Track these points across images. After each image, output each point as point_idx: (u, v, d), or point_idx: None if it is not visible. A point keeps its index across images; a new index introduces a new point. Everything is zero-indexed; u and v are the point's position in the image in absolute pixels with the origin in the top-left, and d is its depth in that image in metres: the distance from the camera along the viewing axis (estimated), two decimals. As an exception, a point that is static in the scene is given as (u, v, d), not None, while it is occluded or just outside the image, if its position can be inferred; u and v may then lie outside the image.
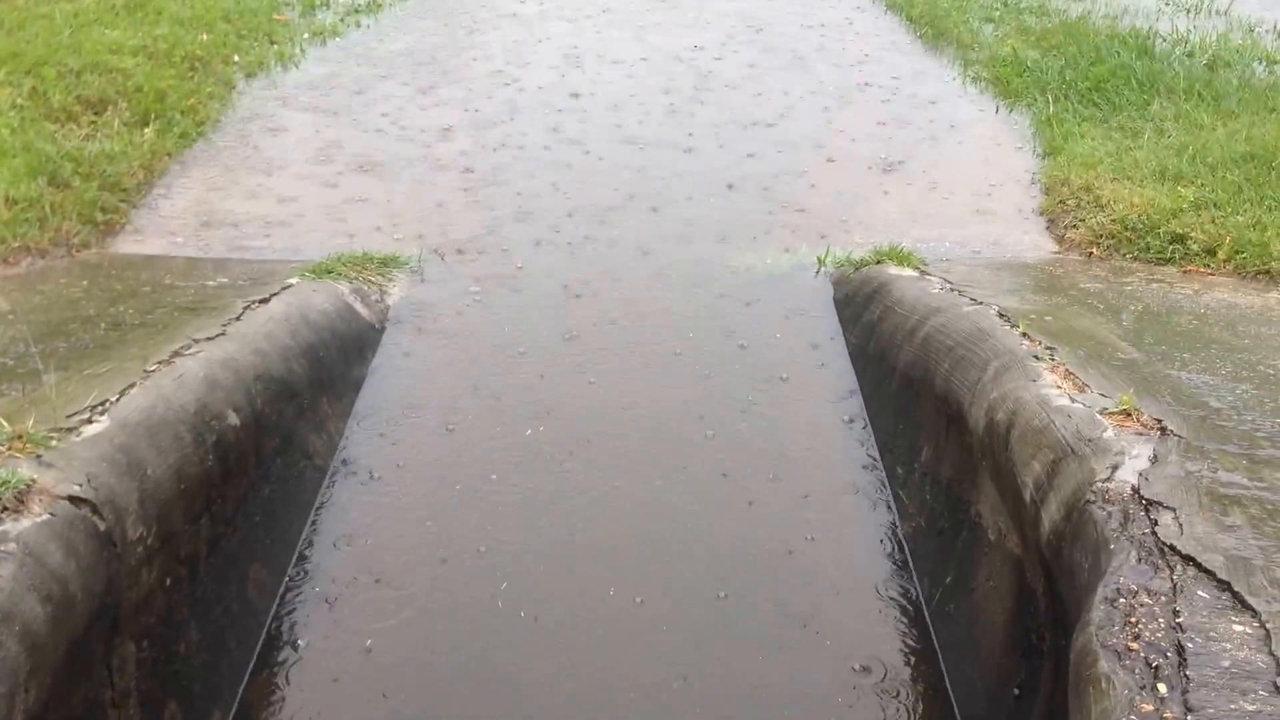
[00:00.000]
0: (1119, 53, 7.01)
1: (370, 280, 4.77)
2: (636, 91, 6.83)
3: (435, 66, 7.07)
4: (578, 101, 6.52)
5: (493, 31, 7.78)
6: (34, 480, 2.54)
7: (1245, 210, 5.11)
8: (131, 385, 3.21)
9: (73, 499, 2.57)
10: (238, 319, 3.95)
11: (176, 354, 3.52)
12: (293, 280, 4.49)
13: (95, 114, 5.99)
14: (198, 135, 6.13)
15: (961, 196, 5.71)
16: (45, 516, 2.46)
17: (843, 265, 5.03)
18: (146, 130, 5.95)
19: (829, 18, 8.20)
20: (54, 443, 2.74)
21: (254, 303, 4.14)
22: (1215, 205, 5.18)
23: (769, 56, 7.47)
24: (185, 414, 3.17)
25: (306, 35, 7.47)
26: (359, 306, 4.53)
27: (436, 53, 7.33)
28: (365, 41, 7.48)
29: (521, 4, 8.21)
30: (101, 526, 2.61)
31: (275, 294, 4.27)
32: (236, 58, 6.98)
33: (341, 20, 7.80)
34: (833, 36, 7.81)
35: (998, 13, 8.00)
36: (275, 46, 7.25)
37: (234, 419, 3.38)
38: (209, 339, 3.69)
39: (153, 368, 3.40)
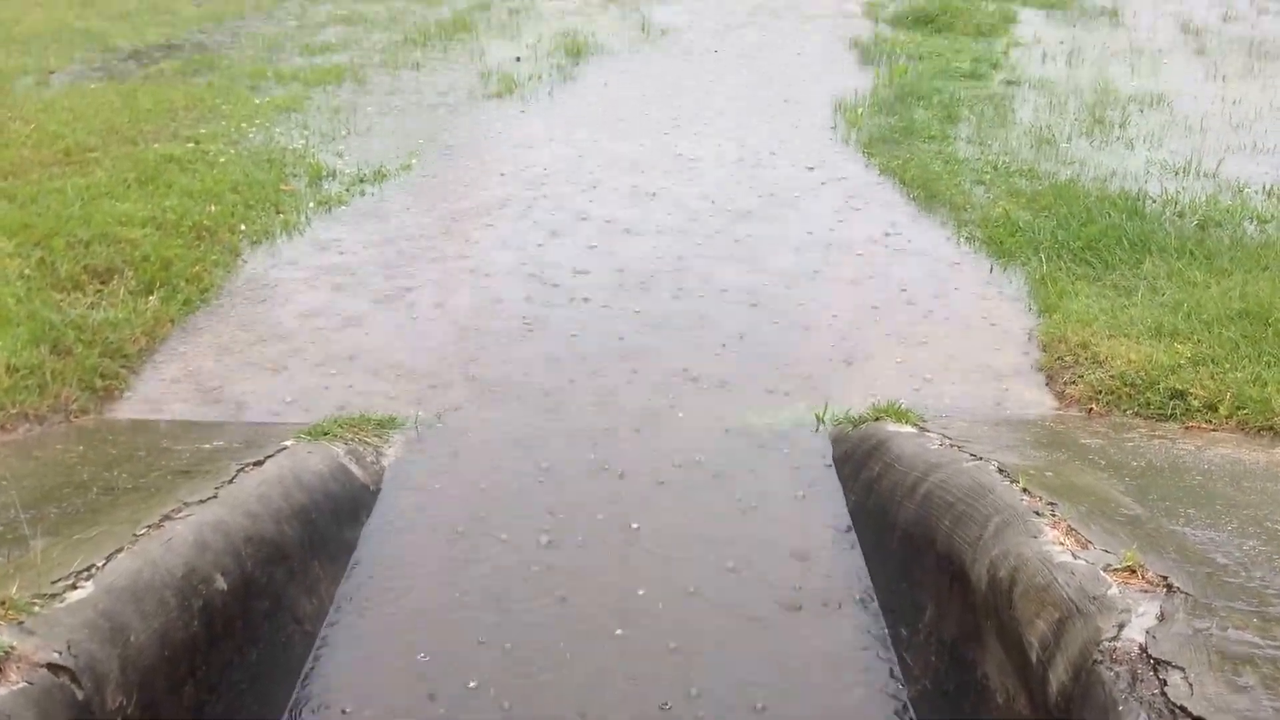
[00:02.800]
0: (1110, 213, 7.06)
1: (366, 441, 4.74)
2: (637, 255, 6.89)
3: (434, 240, 7.10)
4: (581, 278, 6.53)
5: (494, 194, 7.85)
6: (13, 647, 2.49)
7: (1244, 366, 5.10)
8: (119, 549, 3.17)
9: (51, 666, 2.51)
10: (231, 481, 3.91)
11: (167, 517, 3.48)
12: (288, 442, 4.46)
13: (101, 282, 6.05)
14: (201, 302, 6.16)
15: (959, 353, 5.71)
16: (22, 684, 2.40)
17: (841, 422, 5.01)
18: (151, 298, 5.99)
19: (822, 179, 8.28)
20: (37, 609, 2.69)
21: (248, 465, 4.11)
22: (1213, 361, 5.17)
23: (764, 207, 7.54)
24: (172, 578, 3.12)
25: (312, 205, 7.55)
26: (354, 468, 4.49)
27: (438, 224, 7.38)
28: (370, 210, 7.56)
29: (524, 184, 8.26)
30: (80, 695, 2.54)
31: (270, 456, 4.24)
32: (243, 227, 7.04)
33: (347, 190, 7.89)
34: (826, 197, 7.87)
35: (988, 176, 8.09)
36: (281, 216, 7.32)
37: (222, 583, 3.33)
38: (200, 502, 3.65)
39: (142, 531, 3.36)
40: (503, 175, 8.17)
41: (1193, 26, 13.89)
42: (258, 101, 9.87)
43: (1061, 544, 3.18)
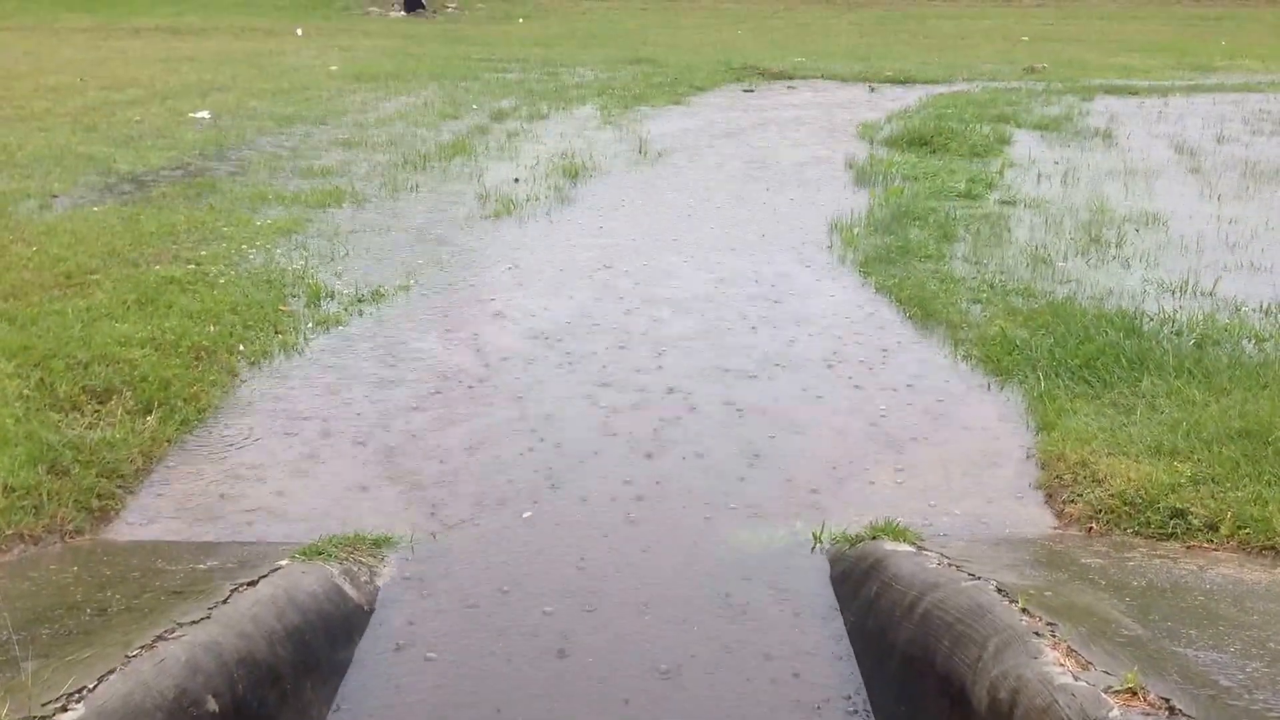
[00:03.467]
0: (1107, 331, 7.08)
1: (361, 561, 4.71)
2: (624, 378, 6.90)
3: (431, 360, 7.12)
4: (578, 415, 6.51)
5: (490, 325, 7.89)
6: (1, 770, 2.46)
7: (1244, 486, 5.07)
8: (111, 671, 3.14)
9: (40, 789, 2.48)
10: (224, 602, 3.89)
11: (159, 638, 3.46)
12: (283, 562, 4.43)
13: (100, 403, 6.04)
14: (199, 422, 6.15)
15: (957, 471, 5.69)
16: (10, 808, 2.37)
17: (839, 541, 4.98)
18: (149, 418, 5.98)
19: (818, 299, 8.32)
20: (26, 731, 2.66)
21: (242, 585, 4.08)
22: (1214, 480, 5.15)
23: (760, 329, 7.56)
24: (164, 700, 3.09)
25: (311, 324, 7.58)
26: (348, 588, 4.46)
27: (436, 345, 7.40)
28: (368, 330, 7.58)
29: (515, 310, 8.30)
30: (69, 817, 2.51)
31: (264, 576, 4.21)
32: (241, 347, 7.07)
33: (345, 310, 7.92)
34: (821, 318, 7.90)
35: (985, 295, 8.13)
36: (280, 336, 7.34)
37: (213, 704, 3.29)
38: (193, 622, 3.62)
39: (134, 652, 3.33)
40: (498, 314, 8.16)
41: (1186, 147, 14.06)
42: (258, 223, 9.96)
43: (1062, 665, 3.15)
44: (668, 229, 10.40)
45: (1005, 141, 14.38)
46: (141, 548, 4.87)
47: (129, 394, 6.14)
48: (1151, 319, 7.45)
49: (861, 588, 4.55)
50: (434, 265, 9.08)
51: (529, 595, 4.65)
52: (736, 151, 14.26)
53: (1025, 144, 14.32)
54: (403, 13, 35.98)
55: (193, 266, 8.43)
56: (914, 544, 4.73)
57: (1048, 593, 3.97)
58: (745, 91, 19.80)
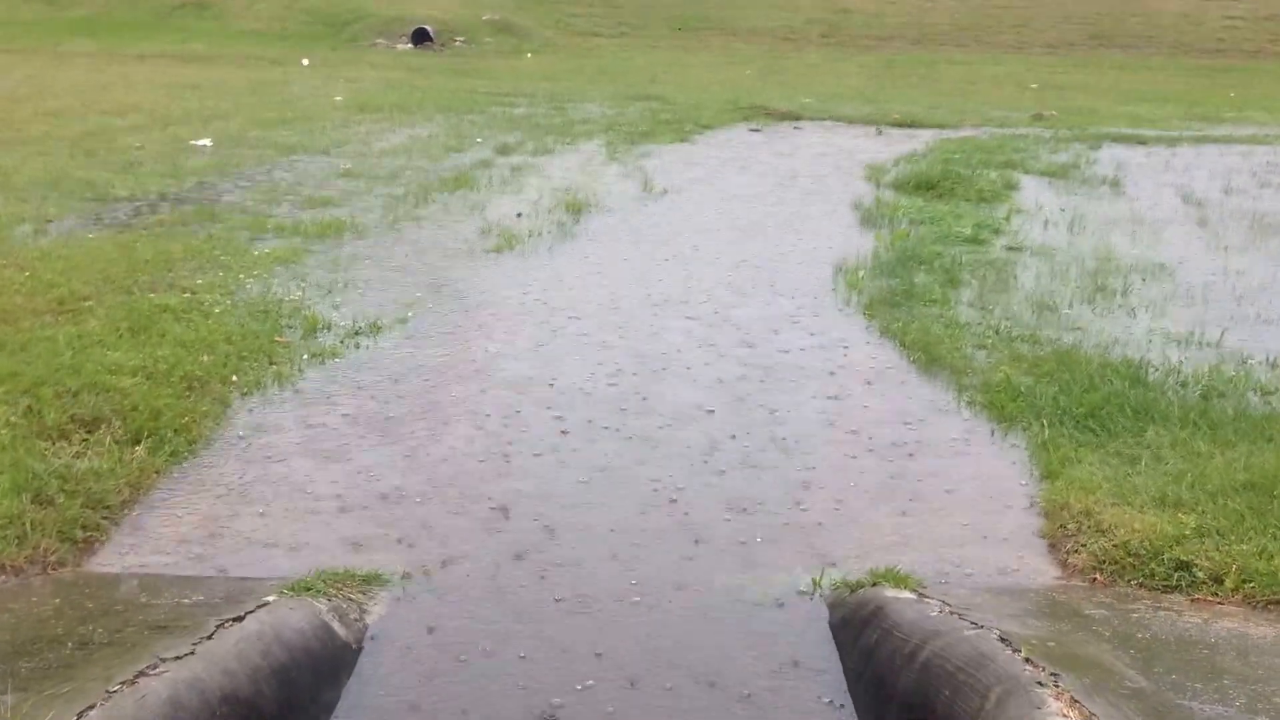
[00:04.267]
0: (1112, 381, 7.03)
1: (350, 598, 4.64)
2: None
3: (426, 396, 7.06)
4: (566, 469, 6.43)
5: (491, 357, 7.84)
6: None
7: (1250, 538, 5.02)
8: (91, 706, 3.09)
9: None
10: (209, 638, 3.83)
11: (142, 674, 3.40)
12: (270, 598, 4.36)
13: (88, 432, 5.97)
14: (189, 453, 6.07)
15: (960, 518, 5.62)
16: None
17: (839, 587, 4.91)
18: (137, 448, 5.90)
19: (821, 341, 8.26)
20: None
21: (227, 621, 4.02)
22: (1218, 533, 5.09)
23: (761, 371, 7.50)
24: (143, 737, 3.01)
25: (306, 356, 7.51)
26: (336, 626, 4.38)
27: (431, 380, 7.35)
28: (363, 363, 7.52)
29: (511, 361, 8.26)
30: None
31: (250, 612, 4.15)
32: (235, 378, 6.99)
33: (341, 342, 7.85)
34: (824, 361, 7.84)
35: (990, 340, 8.07)
36: (274, 367, 7.27)
37: (194, 743, 3.21)
38: (177, 658, 3.56)
39: (115, 688, 3.27)
40: (496, 355, 8.09)
41: (1194, 198, 14.03)
42: (257, 253, 9.91)
43: (1065, 716, 3.10)
44: (670, 265, 10.36)
45: (1012, 187, 14.35)
46: (125, 580, 4.79)
47: (118, 423, 6.06)
48: (1157, 369, 7.40)
49: (861, 634, 4.49)
50: (433, 299, 9.03)
51: (520, 639, 4.57)
52: (742, 190, 14.24)
53: (1032, 190, 14.29)
54: (410, 45, 36.09)
55: (188, 295, 8.37)
56: (915, 591, 4.67)
57: (1051, 643, 3.92)
58: (752, 131, 19.80)
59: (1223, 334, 8.29)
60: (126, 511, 5.45)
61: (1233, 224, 12.53)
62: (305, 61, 29.56)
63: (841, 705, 4.23)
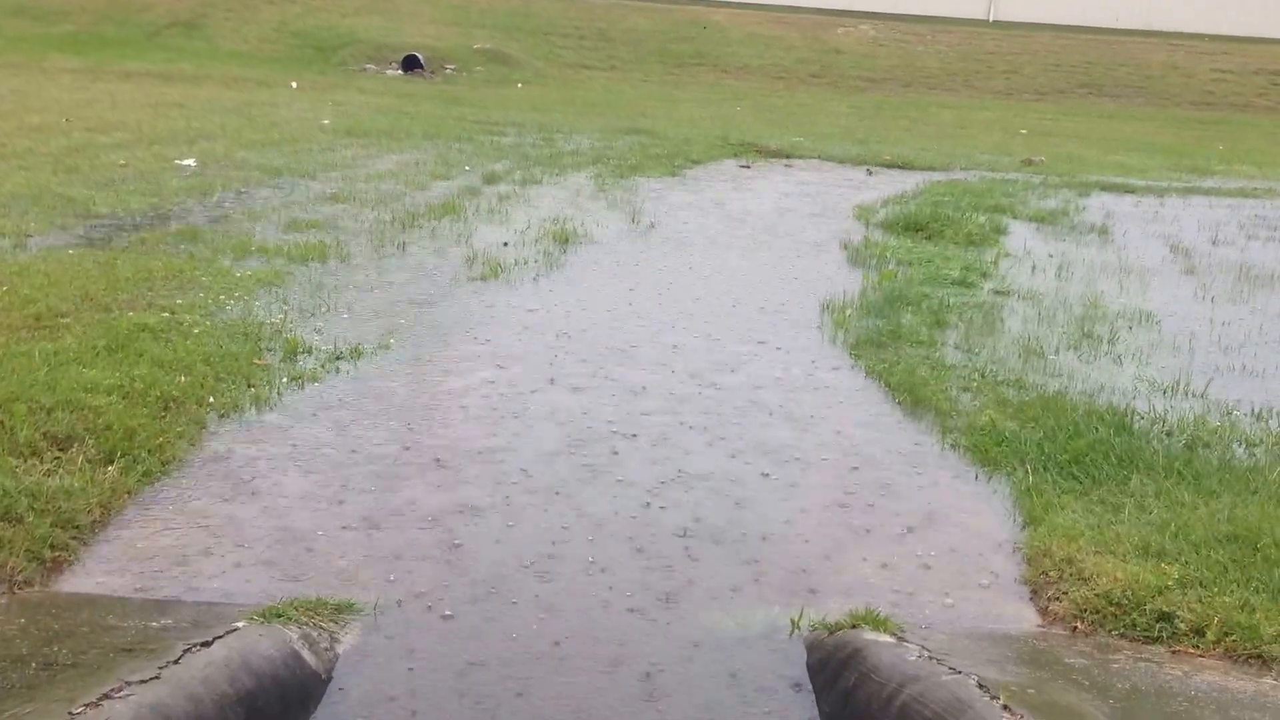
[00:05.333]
0: (1097, 428, 7.01)
1: (321, 626, 4.57)
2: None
3: (405, 423, 7.00)
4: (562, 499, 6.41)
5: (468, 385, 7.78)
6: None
7: (1232, 591, 4.99)
8: (51, 729, 3.01)
9: None
10: (175, 662, 3.77)
11: (105, 696, 3.34)
12: (239, 624, 4.30)
13: (61, 450, 5.89)
14: (162, 474, 6.00)
15: (940, 563, 5.58)
16: None
17: (817, 628, 4.85)
18: (110, 468, 5.82)
19: (806, 382, 8.23)
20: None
21: (195, 645, 3.96)
22: (1201, 584, 5.06)
23: (745, 409, 7.46)
24: (102, 763, 2.95)
25: (285, 379, 7.43)
26: (306, 654, 4.31)
27: (412, 407, 7.29)
28: (344, 388, 7.45)
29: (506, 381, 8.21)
30: None
31: (219, 637, 4.09)
32: (211, 399, 6.91)
33: (322, 366, 7.78)
34: (808, 400, 7.81)
35: (975, 383, 8.04)
36: (252, 390, 7.19)
37: (156, 771, 3.14)
38: (142, 682, 3.50)
39: (78, 710, 3.22)
40: (487, 380, 8.05)
41: (1182, 247, 14.04)
42: (238, 274, 9.83)
43: (1045, 770, 3.04)
44: (656, 299, 10.32)
45: (1001, 231, 14.34)
46: (93, 602, 4.72)
47: (91, 442, 5.99)
48: (1142, 417, 7.38)
49: (839, 677, 4.44)
50: (416, 325, 8.97)
51: (494, 673, 4.51)
52: (729, 226, 14.21)
53: (1021, 235, 14.29)
54: (400, 71, 36.10)
55: (167, 314, 8.29)
56: (895, 634, 4.62)
57: (1030, 690, 3.89)
58: (742, 167, 19.79)
59: (1208, 384, 8.27)
60: (97, 532, 5.37)
61: (1220, 275, 12.54)
62: (294, 84, 29.50)
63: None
